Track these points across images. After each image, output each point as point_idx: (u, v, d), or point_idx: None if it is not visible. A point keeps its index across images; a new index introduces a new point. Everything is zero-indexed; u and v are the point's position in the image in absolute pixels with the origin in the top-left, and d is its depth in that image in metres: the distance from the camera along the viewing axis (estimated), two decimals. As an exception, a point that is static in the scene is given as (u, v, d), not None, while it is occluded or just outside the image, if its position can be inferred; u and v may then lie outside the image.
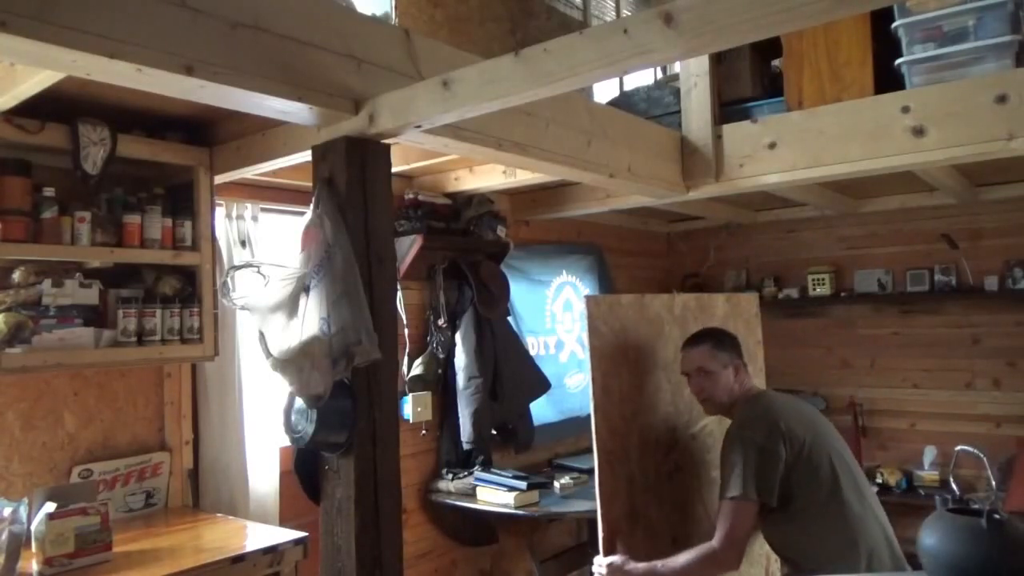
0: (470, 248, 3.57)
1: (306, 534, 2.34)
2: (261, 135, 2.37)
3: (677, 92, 3.18)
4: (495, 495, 3.18)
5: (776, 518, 2.14)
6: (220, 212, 2.73)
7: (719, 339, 2.35)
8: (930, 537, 1.65)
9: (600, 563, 2.30)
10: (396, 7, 3.48)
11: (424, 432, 3.44)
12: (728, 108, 3.09)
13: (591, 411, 2.44)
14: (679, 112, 3.13)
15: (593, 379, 2.44)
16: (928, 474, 4.29)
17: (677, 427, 2.64)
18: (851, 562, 2.06)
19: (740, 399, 2.28)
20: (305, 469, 2.03)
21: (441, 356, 3.46)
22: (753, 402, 2.25)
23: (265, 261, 1.98)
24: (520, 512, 3.11)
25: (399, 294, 3.22)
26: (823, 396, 4.66)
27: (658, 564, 2.18)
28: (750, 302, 3.00)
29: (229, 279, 1.97)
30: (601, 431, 2.43)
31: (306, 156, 2.10)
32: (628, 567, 2.22)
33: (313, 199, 1.96)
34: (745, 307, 2.95)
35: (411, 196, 3.35)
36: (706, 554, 2.10)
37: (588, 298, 2.53)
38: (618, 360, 2.52)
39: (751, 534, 2.15)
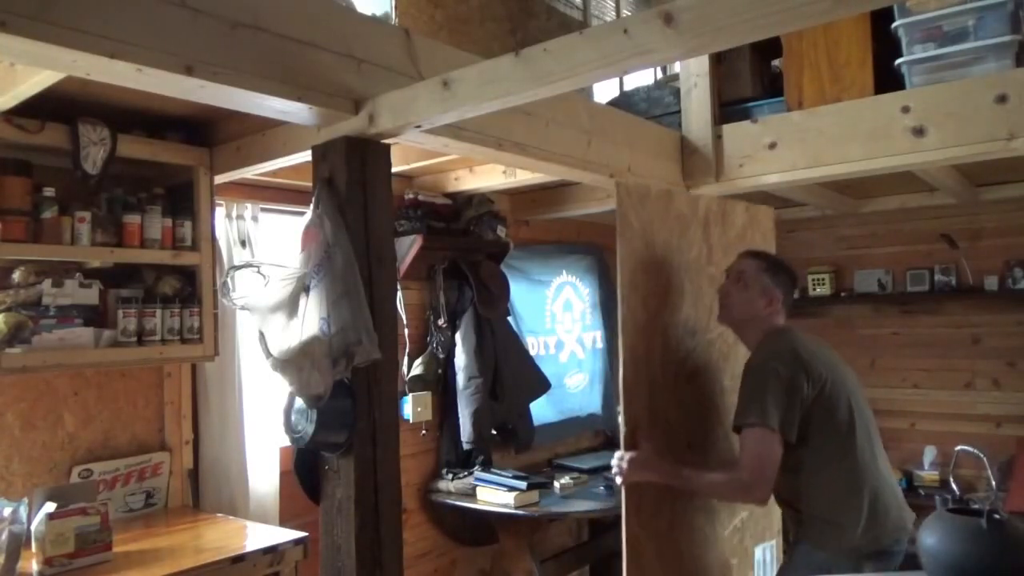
0: (470, 248, 3.57)
1: (306, 534, 2.34)
2: (261, 135, 2.37)
3: (677, 92, 3.18)
4: (495, 495, 3.18)
5: (786, 459, 2.05)
6: (220, 212, 2.73)
7: (775, 265, 2.28)
8: (930, 537, 1.65)
9: (620, 455, 2.21)
10: (396, 7, 3.48)
11: (424, 432, 3.44)
12: (728, 108, 3.09)
13: (619, 304, 2.30)
14: (679, 112, 3.13)
15: (621, 272, 2.31)
16: (928, 474, 4.29)
17: (696, 331, 2.59)
18: (853, 511, 2.03)
19: (764, 331, 2.21)
20: (305, 469, 2.03)
21: (441, 356, 3.46)
22: (778, 336, 2.19)
23: (265, 261, 1.98)
24: (520, 512, 3.11)
25: (399, 294, 3.22)
26: (823, 396, 4.65)
27: (685, 470, 2.12)
28: (767, 215, 3.00)
29: (229, 279, 1.97)
30: (628, 326, 2.31)
31: (306, 156, 2.10)
32: (652, 462, 2.14)
33: (313, 199, 1.96)
34: (762, 220, 2.95)
35: (411, 196, 3.35)
36: (736, 482, 2.02)
37: (619, 185, 2.38)
38: (645, 256, 2.43)
39: (777, 467, 2.01)
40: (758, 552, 2.72)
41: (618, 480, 2.21)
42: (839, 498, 2.05)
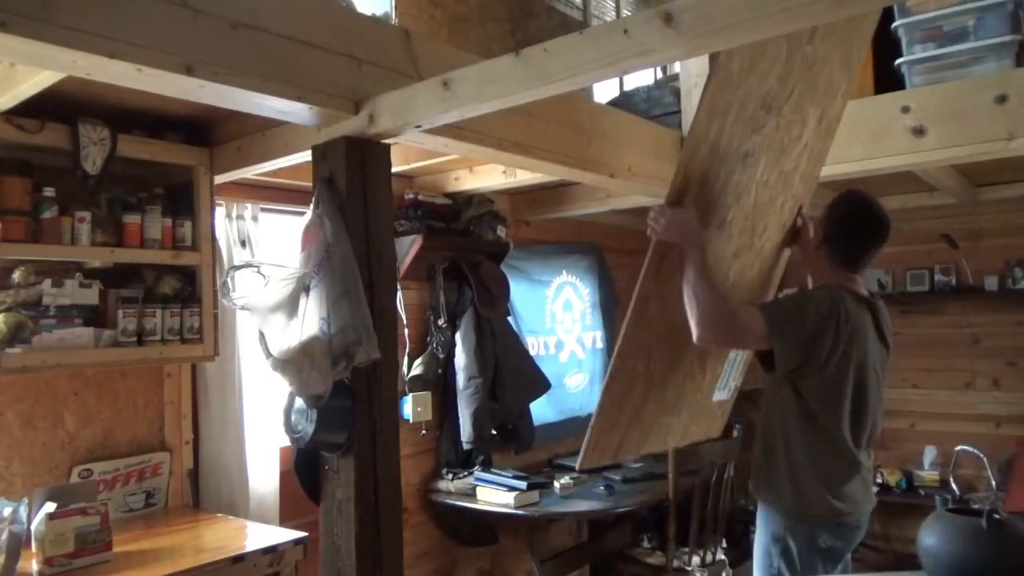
0: (470, 248, 3.57)
1: (306, 534, 2.34)
2: (261, 135, 2.37)
3: (677, 92, 3.18)
4: (495, 495, 3.18)
5: (776, 397, 2.08)
6: (220, 212, 2.74)
7: (833, 207, 2.17)
8: (930, 537, 1.65)
9: (661, 206, 1.98)
10: (396, 7, 3.48)
11: (424, 432, 3.44)
12: (728, 108, 3.09)
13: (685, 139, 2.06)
14: (679, 112, 3.13)
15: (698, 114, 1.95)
16: (928, 474, 4.29)
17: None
18: (817, 480, 2.05)
19: (823, 281, 2.16)
20: (305, 469, 2.03)
21: (441, 356, 3.46)
22: (833, 287, 2.11)
23: (265, 261, 1.98)
24: (520, 512, 3.11)
25: (399, 294, 3.22)
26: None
27: (705, 263, 1.97)
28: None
29: (229, 279, 1.97)
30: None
31: (306, 156, 2.10)
32: (690, 225, 1.92)
33: (313, 199, 1.96)
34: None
35: (411, 196, 3.35)
36: (720, 311, 1.94)
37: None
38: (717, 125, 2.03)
39: (740, 337, 2.02)
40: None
41: (649, 231, 1.98)
42: (813, 463, 2.06)
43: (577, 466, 2.15)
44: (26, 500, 2.09)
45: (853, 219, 2.16)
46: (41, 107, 2.04)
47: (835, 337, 2.00)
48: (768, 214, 2.26)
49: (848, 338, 2.03)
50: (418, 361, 3.40)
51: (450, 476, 3.39)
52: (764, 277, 2.49)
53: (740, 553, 3.98)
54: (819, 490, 2.05)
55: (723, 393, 2.55)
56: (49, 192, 2.19)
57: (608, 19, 4.96)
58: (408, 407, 3.31)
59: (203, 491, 2.76)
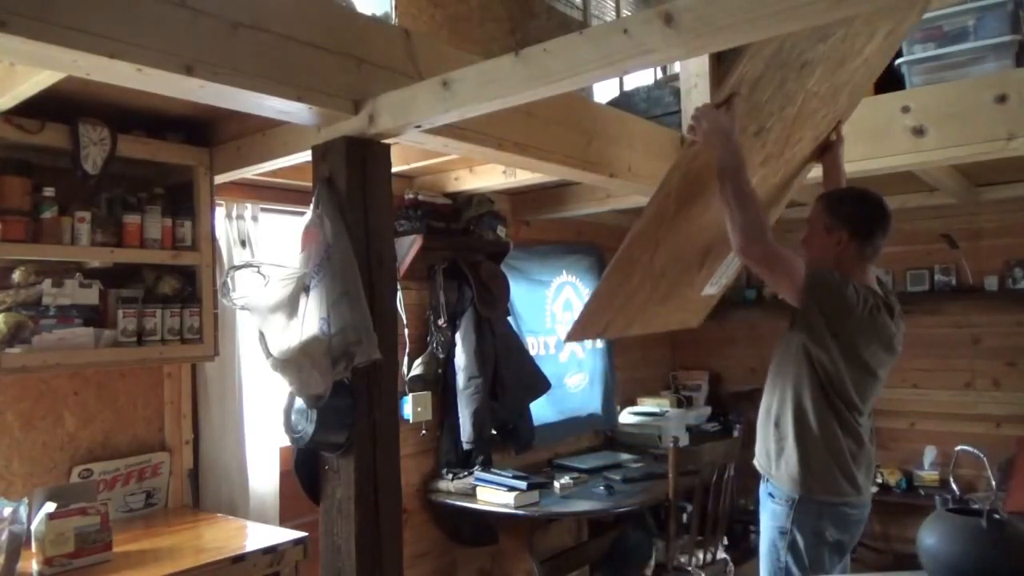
0: (470, 248, 3.57)
1: (306, 534, 2.34)
2: (261, 135, 2.37)
3: (677, 92, 3.18)
4: (495, 495, 3.18)
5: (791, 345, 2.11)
6: (220, 212, 2.73)
7: (836, 200, 2.21)
8: (930, 537, 1.65)
9: (706, 105, 1.97)
10: (396, 7, 3.48)
11: (424, 432, 3.44)
12: (728, 108, 3.09)
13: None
14: (679, 112, 3.12)
15: None
16: (928, 474, 4.29)
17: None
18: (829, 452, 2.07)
19: (833, 266, 2.16)
20: (305, 469, 2.03)
21: (441, 356, 3.46)
22: (865, 288, 2.14)
23: (265, 261, 1.98)
24: (520, 512, 3.11)
25: (399, 294, 3.22)
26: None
27: (747, 179, 1.95)
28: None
29: (229, 279, 1.97)
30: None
31: (306, 156, 2.10)
32: (732, 130, 1.88)
33: (313, 199, 1.96)
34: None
35: (411, 196, 3.35)
36: (760, 222, 1.95)
37: None
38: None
39: (777, 266, 2.02)
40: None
41: (688, 130, 1.95)
42: (825, 436, 2.08)
43: (563, 339, 2.24)
44: (26, 500, 2.09)
45: (878, 215, 2.21)
46: (41, 107, 2.04)
47: (860, 324, 2.05)
48: (806, 126, 2.24)
49: (871, 329, 2.07)
50: (418, 361, 3.40)
51: (450, 476, 3.39)
52: (781, 188, 2.51)
53: (741, 553, 3.99)
54: (829, 464, 2.08)
55: (712, 289, 2.65)
56: (49, 192, 2.19)
57: (608, 19, 4.95)
58: (408, 407, 3.31)
59: (203, 491, 2.76)
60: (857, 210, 2.19)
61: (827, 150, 2.39)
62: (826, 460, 2.08)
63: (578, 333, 2.18)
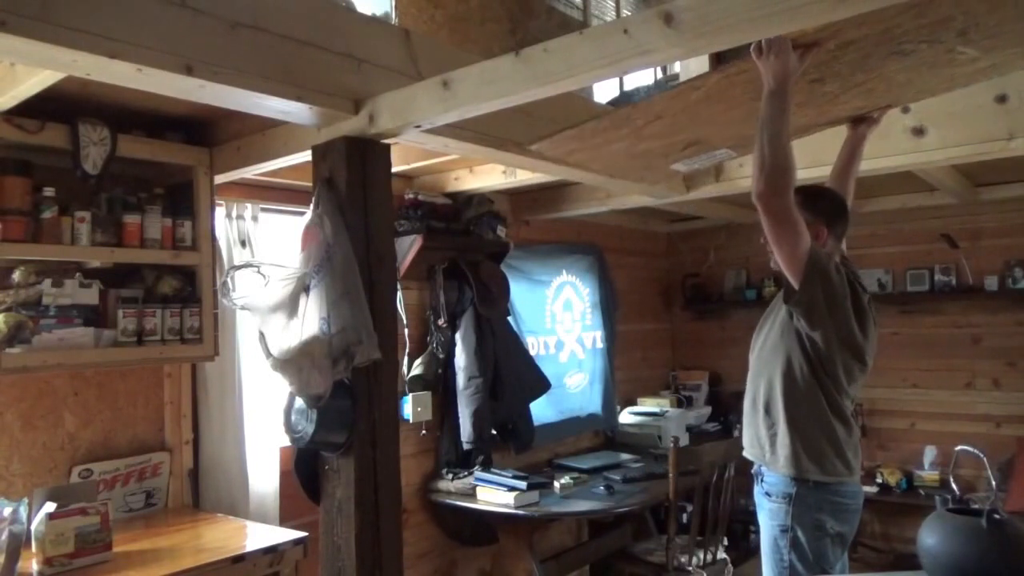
0: (470, 248, 3.57)
1: (306, 534, 2.34)
2: (261, 135, 2.37)
3: (677, 92, 3.18)
4: (495, 495, 3.18)
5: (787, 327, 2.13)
6: (220, 212, 2.73)
7: (811, 196, 2.18)
8: (930, 537, 1.65)
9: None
10: (396, 7, 3.48)
11: (424, 432, 3.44)
12: (728, 108, 3.09)
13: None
14: (679, 112, 3.12)
15: None
16: (928, 474, 4.29)
17: None
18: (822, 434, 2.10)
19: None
20: (305, 469, 2.03)
21: (441, 356, 3.46)
22: (848, 268, 2.17)
23: (265, 261, 1.98)
24: (520, 512, 3.11)
25: (399, 294, 3.22)
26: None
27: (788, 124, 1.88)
28: None
29: (229, 279, 1.97)
30: None
31: (306, 156, 2.10)
32: (794, 61, 1.77)
33: (313, 199, 1.96)
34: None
35: (411, 196, 3.35)
36: (788, 167, 1.89)
37: None
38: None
39: (784, 224, 1.96)
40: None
41: (754, 48, 1.80)
42: (816, 417, 2.10)
43: (533, 146, 2.26)
44: (26, 500, 2.09)
45: (844, 211, 2.27)
46: (41, 107, 2.04)
47: (855, 308, 2.07)
48: (860, 97, 2.23)
49: (864, 314, 2.10)
50: (418, 361, 3.40)
51: (450, 476, 3.39)
52: (796, 130, 2.50)
53: (741, 553, 3.99)
54: (822, 444, 2.09)
55: (681, 167, 2.74)
56: (49, 192, 2.19)
57: (608, 19, 4.95)
58: (408, 407, 3.31)
59: (203, 491, 2.76)
60: (830, 205, 2.23)
61: (861, 123, 2.37)
62: (819, 440, 2.10)
63: (546, 148, 2.26)
